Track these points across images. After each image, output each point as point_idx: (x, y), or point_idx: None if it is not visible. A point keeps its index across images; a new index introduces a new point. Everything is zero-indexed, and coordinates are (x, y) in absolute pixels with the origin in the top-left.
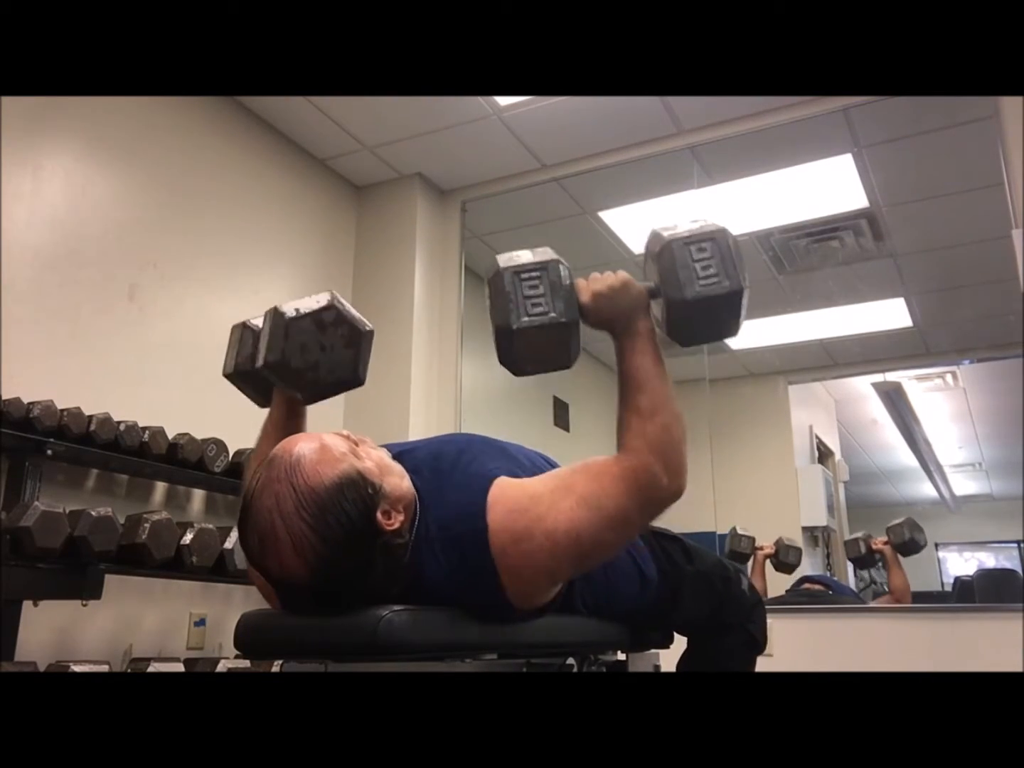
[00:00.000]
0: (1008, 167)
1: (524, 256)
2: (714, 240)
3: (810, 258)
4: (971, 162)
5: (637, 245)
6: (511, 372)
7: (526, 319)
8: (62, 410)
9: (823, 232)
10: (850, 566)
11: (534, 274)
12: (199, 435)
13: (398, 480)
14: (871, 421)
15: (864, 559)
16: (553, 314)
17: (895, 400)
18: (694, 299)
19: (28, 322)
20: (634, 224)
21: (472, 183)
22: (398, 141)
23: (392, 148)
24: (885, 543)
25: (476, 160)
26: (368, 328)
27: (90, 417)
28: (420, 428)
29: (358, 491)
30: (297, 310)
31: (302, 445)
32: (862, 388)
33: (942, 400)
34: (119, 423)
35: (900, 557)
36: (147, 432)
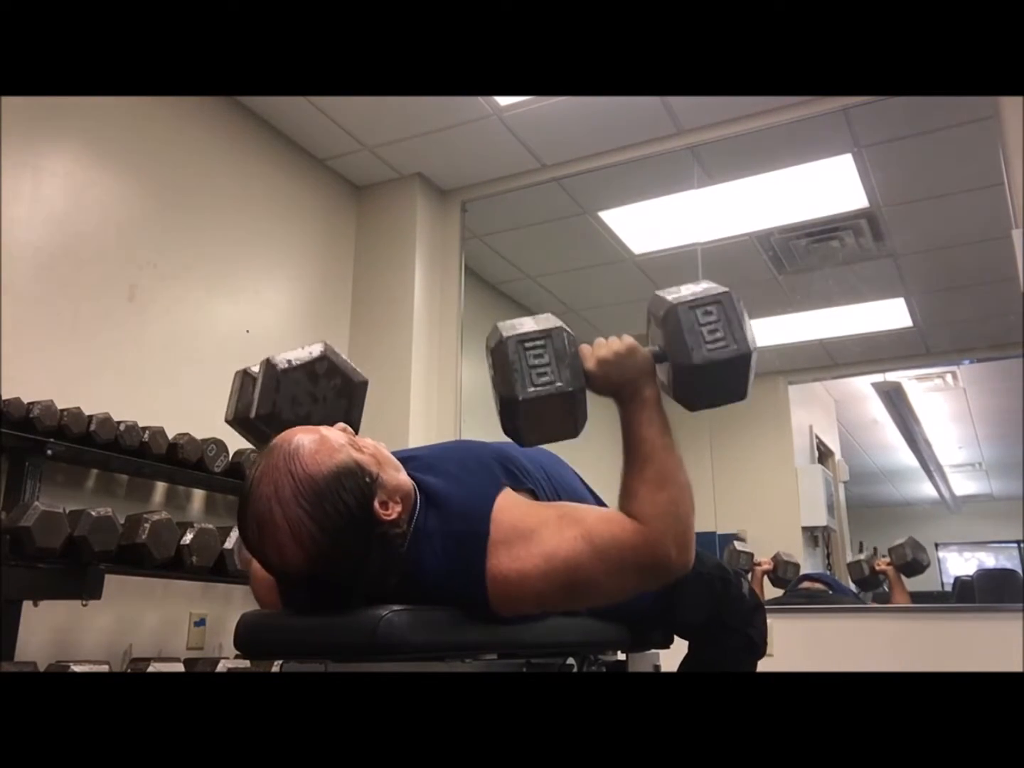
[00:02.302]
0: (1008, 167)
1: (527, 324)
2: (720, 303)
3: (810, 258)
4: (971, 162)
5: (637, 245)
6: (516, 442)
7: (532, 389)
8: (62, 410)
9: (823, 232)
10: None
11: (538, 342)
12: (199, 435)
13: (395, 472)
14: (871, 421)
15: (868, 581)
16: (560, 383)
17: (895, 400)
18: (702, 364)
19: (28, 322)
20: (634, 224)
21: (472, 183)
22: (398, 141)
23: (392, 148)
24: (888, 564)
25: (476, 160)
26: (361, 379)
27: (90, 417)
28: (420, 429)
29: (355, 480)
30: (289, 362)
31: (301, 435)
32: (862, 388)
33: (942, 400)
34: (119, 423)
35: (903, 577)
36: (147, 432)
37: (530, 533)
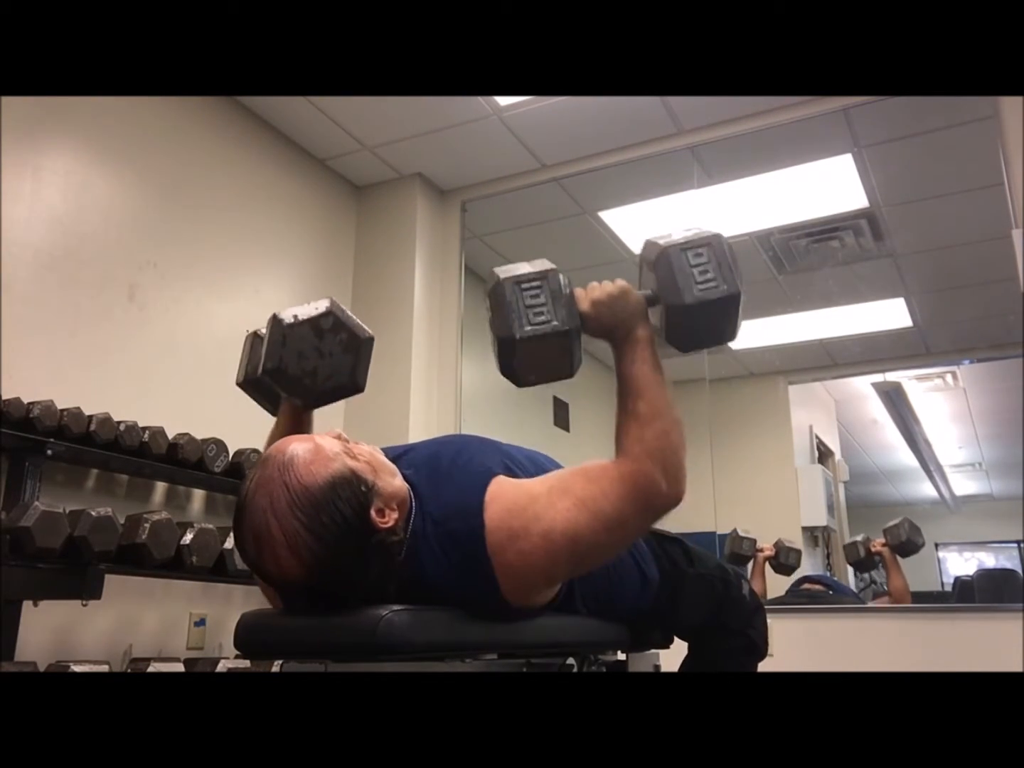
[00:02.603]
0: (1008, 167)
1: (523, 267)
2: (710, 245)
3: (810, 258)
4: (971, 162)
5: (637, 245)
6: (513, 383)
7: (529, 328)
8: (62, 410)
9: (823, 232)
10: (850, 566)
11: (535, 283)
12: (199, 435)
13: (391, 478)
14: (871, 421)
15: (863, 562)
16: (556, 322)
17: (895, 400)
18: (693, 304)
19: (28, 322)
20: (634, 224)
21: (472, 183)
22: (398, 141)
23: (392, 148)
24: (883, 545)
25: (476, 160)
26: (367, 335)
27: (90, 417)
28: (420, 428)
29: (351, 489)
30: (295, 316)
31: (295, 445)
32: (862, 388)
33: (942, 400)
34: (119, 423)
35: (899, 559)
36: (147, 432)
37: (523, 512)
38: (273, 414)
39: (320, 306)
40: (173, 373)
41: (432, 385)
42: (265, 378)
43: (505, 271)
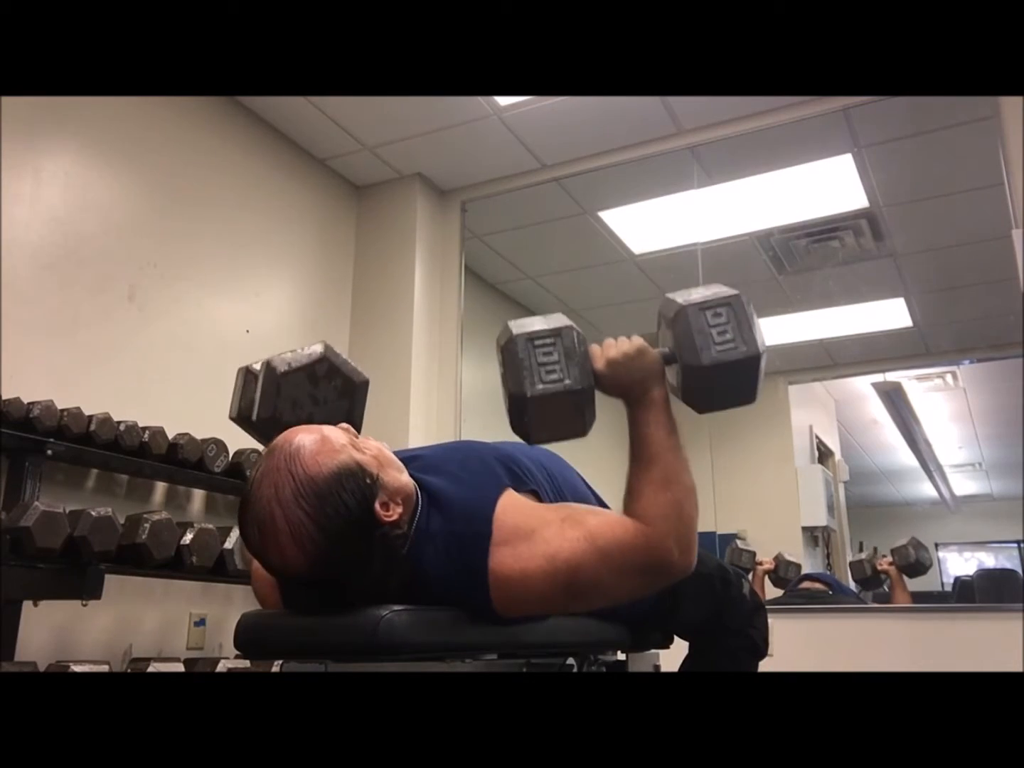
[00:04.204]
0: (1008, 167)
1: (537, 323)
2: (729, 305)
3: (810, 258)
4: (971, 162)
5: (637, 245)
6: (524, 440)
7: (540, 386)
8: (62, 410)
9: (823, 232)
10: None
11: (548, 340)
12: (199, 435)
13: (397, 473)
14: (871, 421)
15: (870, 580)
16: (568, 381)
17: (895, 400)
18: (711, 365)
19: (28, 322)
20: (634, 224)
21: (472, 183)
22: (398, 141)
23: (392, 148)
24: (890, 564)
25: (476, 160)
26: (362, 379)
27: (90, 417)
28: (420, 429)
29: (356, 481)
30: (289, 364)
31: (302, 436)
32: (862, 388)
33: (942, 400)
34: (119, 423)
35: (905, 577)
36: (147, 432)
37: (532, 534)
38: (266, 445)
39: (314, 352)
40: (173, 373)
41: (432, 385)
42: (259, 425)
43: (519, 326)
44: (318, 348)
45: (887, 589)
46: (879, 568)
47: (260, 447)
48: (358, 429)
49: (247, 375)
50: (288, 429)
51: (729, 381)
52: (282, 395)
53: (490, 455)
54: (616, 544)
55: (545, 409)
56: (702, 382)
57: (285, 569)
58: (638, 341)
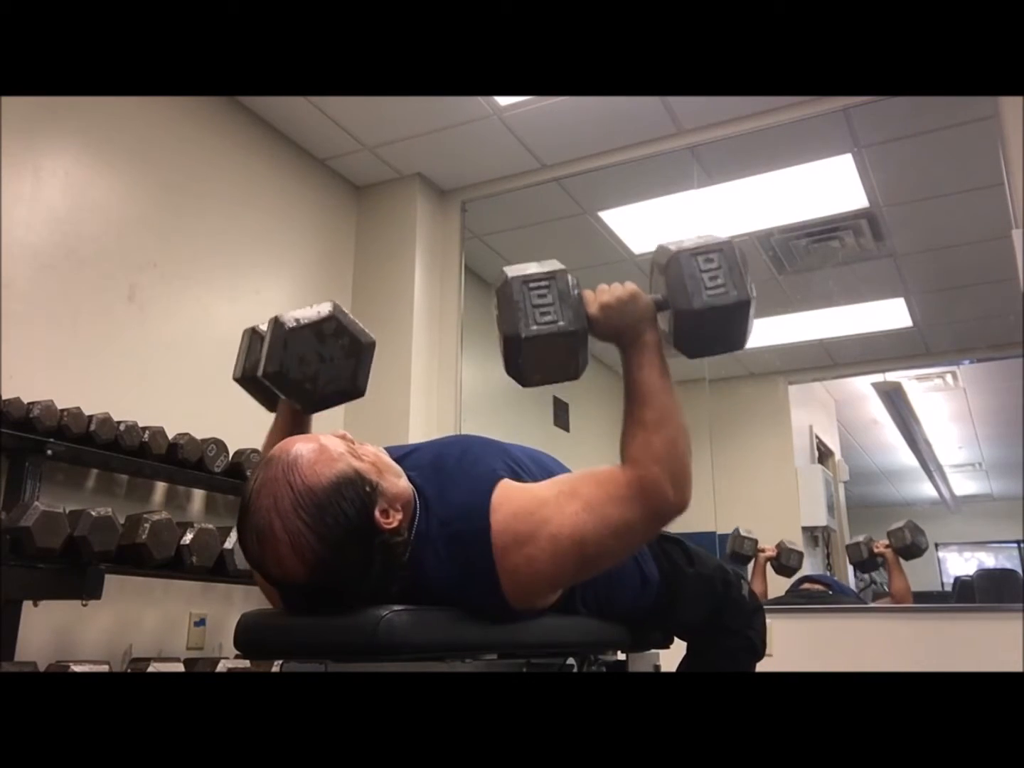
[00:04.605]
0: (1008, 167)
1: (531, 267)
2: (721, 251)
3: (810, 258)
4: (971, 162)
5: (637, 245)
6: (518, 382)
7: (535, 327)
8: (62, 410)
9: (823, 232)
10: (850, 566)
11: (543, 283)
12: (199, 435)
13: (395, 479)
14: (871, 421)
15: (866, 563)
16: (562, 322)
17: (895, 400)
18: (702, 309)
19: (28, 322)
20: (634, 224)
21: (472, 183)
22: (398, 141)
23: (392, 148)
24: (887, 547)
25: (476, 160)
26: (370, 339)
27: (90, 417)
28: (420, 428)
29: (355, 490)
30: (297, 320)
31: (300, 445)
32: (862, 388)
33: (942, 400)
34: (119, 423)
35: (902, 560)
36: (147, 432)
37: (530, 516)
38: (270, 410)
39: (323, 310)
40: (173, 373)
41: (432, 385)
42: (264, 380)
43: (514, 270)
44: (327, 306)
45: (884, 571)
46: (876, 551)
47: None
48: (363, 390)
49: (252, 336)
50: (293, 386)
51: (720, 326)
52: (289, 350)
53: (485, 451)
54: (613, 504)
55: (539, 350)
56: (693, 326)
57: (284, 579)
58: (631, 286)
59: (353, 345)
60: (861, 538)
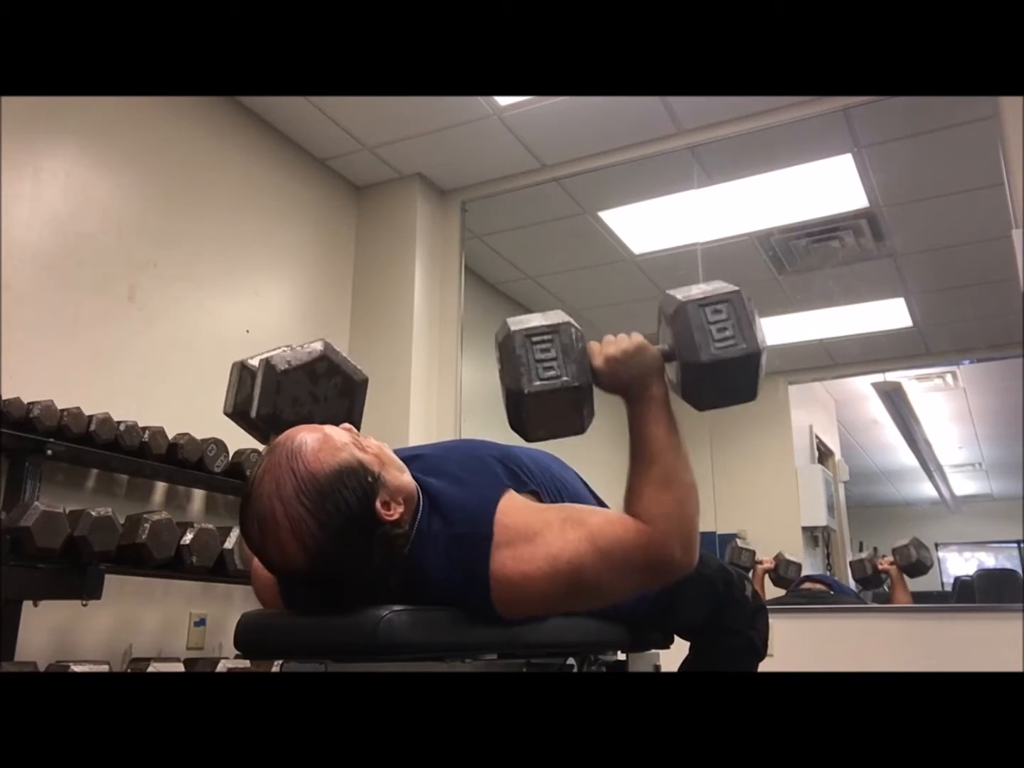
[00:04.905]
0: (1008, 167)
1: (535, 319)
2: (729, 302)
3: (810, 258)
4: (971, 162)
5: (637, 245)
6: (522, 437)
7: (538, 383)
8: (62, 410)
9: (823, 232)
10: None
11: (545, 337)
12: (199, 435)
13: (398, 472)
14: (871, 421)
15: (870, 580)
16: (566, 378)
17: (895, 400)
18: (710, 362)
19: (28, 322)
20: (634, 224)
21: (472, 183)
22: (398, 141)
23: (392, 148)
24: (891, 563)
25: (476, 160)
26: (362, 377)
27: (90, 417)
28: (420, 428)
29: (358, 479)
30: (288, 363)
31: (304, 434)
32: (862, 388)
33: (942, 400)
34: (119, 423)
35: (905, 577)
36: (147, 432)
37: (533, 535)
38: (262, 443)
39: (314, 350)
40: (173, 373)
41: (432, 385)
42: (258, 422)
43: (516, 323)
44: (318, 346)
45: (887, 589)
46: (880, 568)
47: (260, 446)
48: (357, 427)
49: (243, 371)
50: (289, 427)
51: (729, 378)
52: (282, 393)
53: (490, 454)
54: (617, 544)
55: (542, 406)
56: (701, 379)
57: (285, 565)
58: (637, 338)
59: (346, 384)
60: (865, 554)
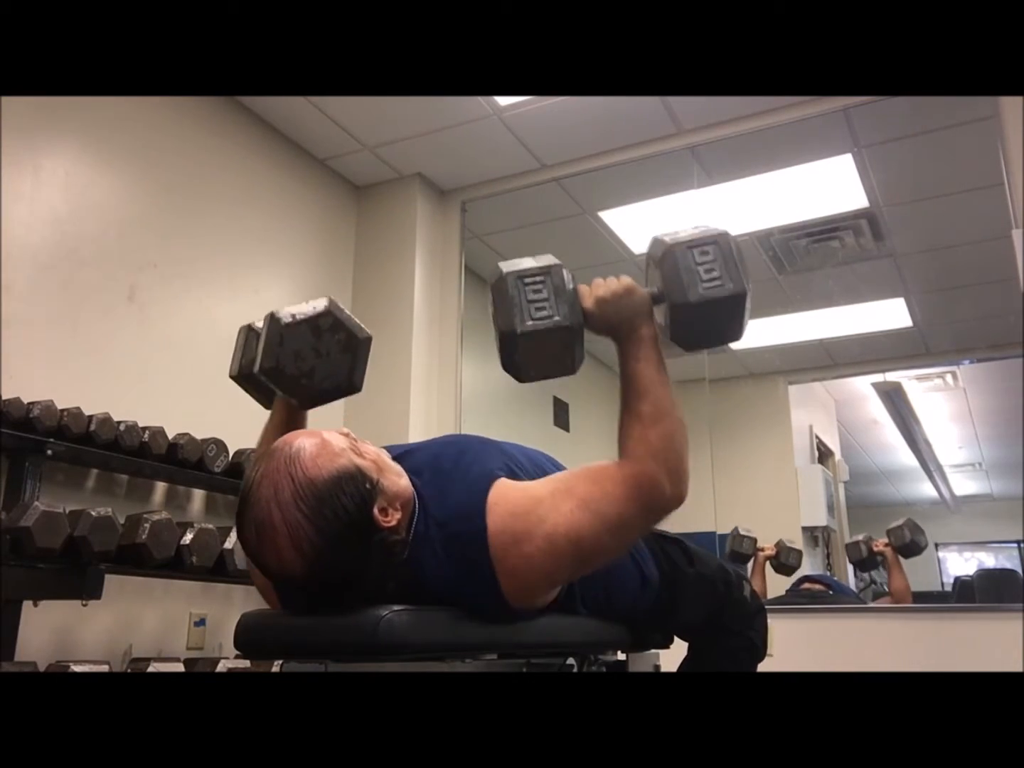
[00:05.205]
0: (1008, 167)
1: (527, 262)
2: (716, 243)
3: (810, 258)
4: (971, 162)
5: (637, 245)
6: (515, 378)
7: (530, 323)
8: (62, 410)
9: (823, 232)
10: (850, 566)
11: (538, 278)
12: (199, 435)
13: (396, 478)
14: (871, 421)
15: (866, 561)
16: (557, 317)
17: (895, 400)
18: (697, 302)
19: (28, 322)
20: (634, 224)
21: (472, 183)
22: (398, 141)
23: (392, 148)
24: (886, 545)
25: (476, 160)
26: (366, 335)
27: (90, 417)
28: (420, 428)
29: (356, 485)
30: (293, 316)
31: (302, 439)
32: (862, 388)
33: (942, 400)
34: (119, 423)
35: (901, 559)
36: (147, 432)
37: (526, 516)
38: (266, 407)
39: (318, 305)
40: (173, 373)
41: (432, 385)
42: (260, 376)
43: (508, 265)
44: (323, 301)
45: (883, 569)
46: (875, 549)
47: (263, 406)
48: (359, 385)
49: (249, 333)
50: (290, 382)
51: (716, 318)
52: (285, 346)
53: (483, 451)
54: (609, 501)
55: (535, 345)
56: (689, 320)
57: (282, 571)
58: (626, 280)
59: (349, 340)
60: (860, 537)
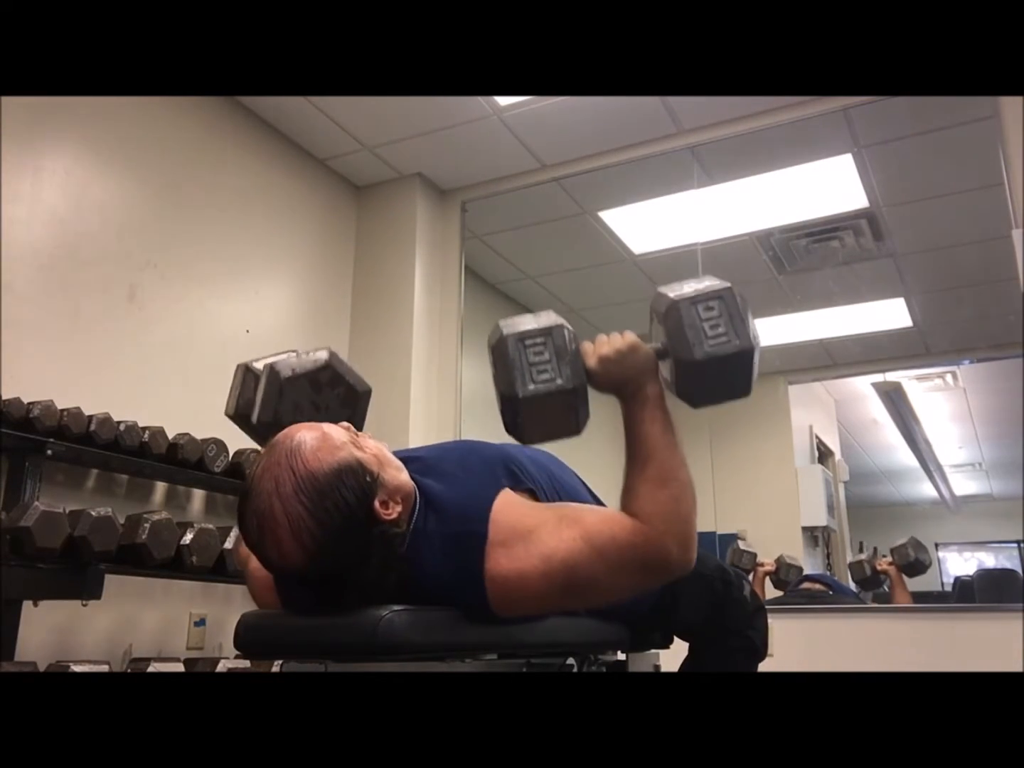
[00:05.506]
0: (1008, 167)
1: (527, 322)
2: (721, 298)
3: (810, 258)
4: (971, 162)
5: (637, 245)
6: (518, 440)
7: (532, 387)
8: (62, 410)
9: (823, 232)
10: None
11: (538, 340)
12: (199, 435)
13: (396, 472)
14: (871, 421)
15: (869, 581)
16: (560, 380)
17: (895, 400)
18: (703, 359)
19: (28, 322)
20: (634, 224)
21: (472, 183)
22: (398, 141)
23: (392, 148)
24: (890, 564)
25: (476, 160)
26: (365, 388)
27: (90, 417)
28: (420, 428)
29: (356, 478)
30: (293, 370)
31: (303, 433)
32: (862, 388)
33: (942, 400)
34: (119, 423)
35: (905, 577)
36: (147, 432)
37: (528, 533)
38: (262, 446)
39: (319, 359)
40: (173, 373)
41: (432, 385)
42: (259, 427)
43: (508, 326)
44: (323, 355)
45: (887, 589)
46: (879, 568)
47: (260, 447)
48: None
49: (246, 373)
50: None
51: (723, 375)
52: (284, 399)
53: (488, 454)
54: (613, 543)
55: (537, 409)
56: (696, 377)
57: (283, 564)
58: (630, 337)
59: (348, 394)
60: (864, 556)
